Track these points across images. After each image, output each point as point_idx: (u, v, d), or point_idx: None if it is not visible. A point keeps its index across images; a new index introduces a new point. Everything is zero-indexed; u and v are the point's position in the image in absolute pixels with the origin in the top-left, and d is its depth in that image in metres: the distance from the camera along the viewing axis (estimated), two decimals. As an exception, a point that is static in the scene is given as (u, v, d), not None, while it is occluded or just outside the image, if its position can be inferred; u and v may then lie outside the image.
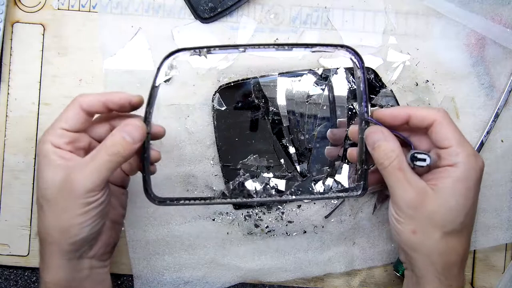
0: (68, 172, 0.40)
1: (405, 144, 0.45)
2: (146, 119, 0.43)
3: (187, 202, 0.45)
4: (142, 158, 0.44)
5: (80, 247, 0.42)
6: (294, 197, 0.48)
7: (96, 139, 0.45)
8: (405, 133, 0.45)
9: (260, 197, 0.50)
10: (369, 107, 0.44)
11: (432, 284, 0.42)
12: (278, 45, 0.45)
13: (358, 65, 0.44)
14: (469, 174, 0.41)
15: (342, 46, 0.44)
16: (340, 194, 0.47)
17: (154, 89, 0.44)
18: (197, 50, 0.44)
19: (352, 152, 0.48)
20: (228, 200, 0.47)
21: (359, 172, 0.45)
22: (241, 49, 0.45)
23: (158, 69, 0.43)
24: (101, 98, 0.43)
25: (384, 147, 0.42)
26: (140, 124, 0.43)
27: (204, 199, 0.46)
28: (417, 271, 0.43)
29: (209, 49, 0.44)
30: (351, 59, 0.45)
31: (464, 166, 0.41)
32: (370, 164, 0.45)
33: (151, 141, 0.45)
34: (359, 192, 0.45)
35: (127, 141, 0.41)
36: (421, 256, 0.42)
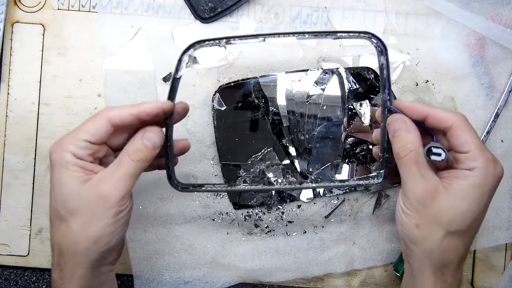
0: (93, 182, 0.40)
1: (428, 135, 0.44)
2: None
3: (209, 188, 0.46)
4: (165, 147, 0.44)
5: (107, 255, 0.43)
6: (314, 184, 0.48)
7: (112, 148, 0.45)
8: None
9: (280, 185, 0.50)
10: (392, 95, 0.44)
11: (428, 278, 0.42)
12: (299, 33, 0.44)
13: (383, 52, 0.43)
14: (487, 180, 0.40)
15: (365, 33, 0.43)
16: (361, 182, 0.47)
17: (175, 80, 0.44)
18: (217, 41, 0.44)
19: (377, 134, 0.47)
20: (249, 187, 0.48)
21: (380, 160, 0.45)
22: (261, 39, 0.44)
23: (179, 61, 0.43)
24: (133, 111, 0.42)
25: (403, 137, 0.42)
26: (159, 130, 0.43)
27: (226, 185, 0.47)
28: (414, 263, 0.43)
29: (228, 39, 0.44)
30: (375, 46, 0.44)
31: (483, 171, 0.40)
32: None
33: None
34: (380, 180, 0.45)
35: (148, 147, 0.42)
36: (420, 250, 0.42)
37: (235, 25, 0.57)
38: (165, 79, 0.57)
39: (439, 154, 0.41)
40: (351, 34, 0.44)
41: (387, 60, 0.43)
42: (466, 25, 0.57)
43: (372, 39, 0.43)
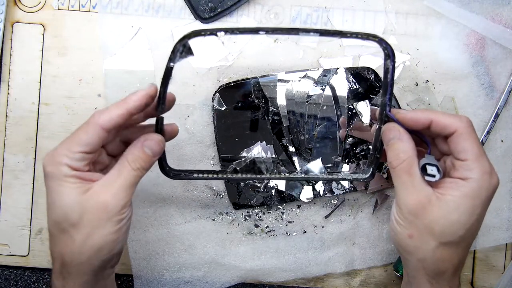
0: (93, 192, 0.40)
1: (424, 144, 0.44)
2: (161, 99, 0.43)
3: (200, 175, 0.46)
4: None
5: (110, 261, 0.43)
6: (304, 175, 0.48)
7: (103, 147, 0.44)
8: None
9: (270, 174, 0.50)
10: (392, 100, 0.43)
11: (423, 286, 0.42)
12: (304, 30, 0.41)
13: (390, 57, 0.42)
14: (479, 191, 0.40)
15: (374, 36, 0.41)
16: (348, 176, 0.47)
17: (168, 70, 0.41)
18: (215, 32, 0.41)
19: (375, 111, 0.46)
20: (239, 176, 0.48)
21: (371, 158, 0.45)
22: (262, 32, 0.41)
23: (174, 50, 0.41)
24: (121, 110, 0.41)
25: (397, 146, 0.41)
26: (160, 138, 0.43)
27: (217, 173, 0.47)
28: (409, 271, 0.43)
29: (227, 31, 0.41)
30: (383, 50, 0.42)
31: (476, 183, 0.39)
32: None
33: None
34: (367, 175, 0.46)
35: (148, 155, 0.42)
36: (414, 259, 0.42)
37: (235, 25, 0.57)
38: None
39: (433, 176, 0.40)
40: (359, 36, 0.42)
41: (393, 65, 0.42)
42: (466, 25, 0.57)
43: (382, 43, 0.42)
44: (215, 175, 0.47)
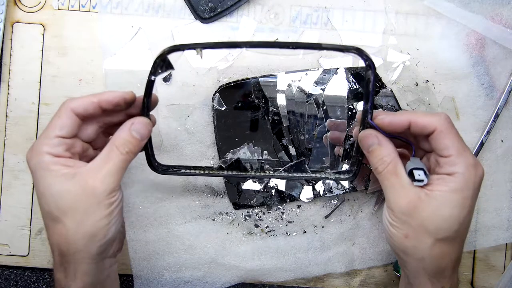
0: (80, 178, 0.40)
1: (407, 145, 0.45)
2: (145, 108, 0.44)
3: (187, 171, 0.49)
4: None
5: (108, 247, 0.43)
6: (287, 174, 0.50)
7: (85, 141, 0.45)
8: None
9: (255, 172, 0.52)
10: (373, 108, 0.44)
11: (424, 286, 0.42)
12: (282, 44, 0.43)
13: (371, 67, 0.43)
14: (467, 184, 0.40)
15: (354, 48, 0.42)
16: (331, 176, 0.49)
17: (150, 82, 0.43)
18: (192, 47, 0.42)
19: (356, 131, 0.47)
20: (225, 173, 0.50)
21: (354, 160, 0.47)
22: (242, 47, 0.44)
23: (154, 64, 0.42)
24: (94, 99, 0.42)
25: (379, 151, 0.42)
26: (147, 121, 0.43)
27: (204, 169, 0.49)
28: (409, 273, 0.43)
29: (204, 46, 0.42)
30: (364, 61, 0.43)
31: (463, 176, 0.40)
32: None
33: None
34: (349, 175, 0.47)
35: (136, 139, 0.42)
36: (413, 260, 0.42)
37: (235, 25, 0.57)
38: (165, 79, 0.57)
39: (421, 180, 0.40)
40: (338, 48, 0.43)
41: (374, 75, 0.43)
42: (466, 25, 0.57)
43: (362, 55, 0.42)
44: (201, 171, 0.48)
